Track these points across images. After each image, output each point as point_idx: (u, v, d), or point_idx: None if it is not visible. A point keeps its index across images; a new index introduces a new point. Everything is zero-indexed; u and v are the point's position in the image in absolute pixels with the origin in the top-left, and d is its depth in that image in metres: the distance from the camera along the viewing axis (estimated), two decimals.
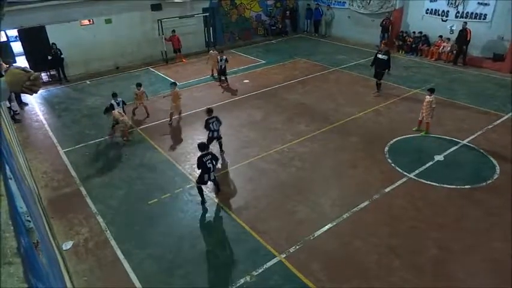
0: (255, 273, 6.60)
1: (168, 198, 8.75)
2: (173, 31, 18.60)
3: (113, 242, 7.47)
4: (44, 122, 13.11)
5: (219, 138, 10.33)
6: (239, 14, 22.48)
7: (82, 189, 9.23)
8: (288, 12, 24.24)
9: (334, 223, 7.73)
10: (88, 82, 16.94)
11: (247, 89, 15.32)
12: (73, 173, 9.92)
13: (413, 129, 11.21)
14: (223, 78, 15.84)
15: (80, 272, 6.80)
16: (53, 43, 16.29)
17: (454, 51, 17.21)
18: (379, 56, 13.64)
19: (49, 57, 16.31)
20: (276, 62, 18.62)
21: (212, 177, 8.40)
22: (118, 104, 11.90)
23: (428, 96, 10.75)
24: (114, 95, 12.01)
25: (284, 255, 6.95)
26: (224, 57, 15.47)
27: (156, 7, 18.87)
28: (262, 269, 6.67)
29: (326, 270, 6.65)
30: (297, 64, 18.36)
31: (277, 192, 8.84)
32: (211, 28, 21.25)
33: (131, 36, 18.56)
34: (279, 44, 22.49)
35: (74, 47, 16.98)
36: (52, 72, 17.28)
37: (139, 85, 12.91)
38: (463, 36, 16.37)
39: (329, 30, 23.49)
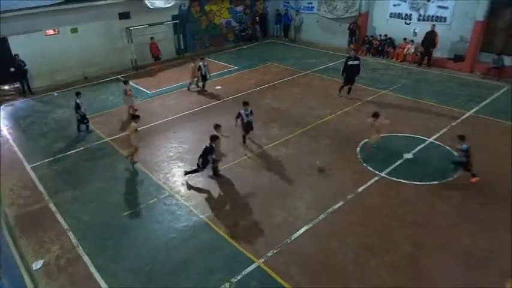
0: (233, 280, 6.58)
1: (143, 210, 8.59)
2: (152, 38, 18.34)
3: (85, 258, 7.24)
4: (9, 137, 12.59)
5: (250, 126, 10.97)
6: (209, 20, 22.47)
7: (51, 205, 8.91)
8: (257, 18, 24.45)
9: (311, 225, 7.82)
10: (55, 94, 16.42)
11: (220, 95, 15.31)
12: (41, 189, 9.56)
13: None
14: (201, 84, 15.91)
15: None
16: (15, 54, 15.68)
17: (419, 53, 17.88)
18: (350, 62, 13.68)
19: (11, 69, 15.67)
20: (248, 68, 18.72)
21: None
22: (82, 103, 12.07)
23: (374, 120, 10.25)
24: (78, 94, 12.15)
25: (262, 260, 6.96)
26: (206, 63, 15.57)
27: (124, 15, 18.58)
28: (241, 276, 6.65)
29: (305, 273, 6.70)
30: (269, 69, 18.53)
31: (254, 197, 8.85)
32: (181, 35, 21.12)
33: (99, 45, 18.17)
34: (249, 49, 22.62)
35: (38, 58, 16.42)
36: (16, 85, 16.63)
37: (127, 82, 13.32)
38: (431, 38, 17.01)
39: (298, 35, 23.86)
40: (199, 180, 9.60)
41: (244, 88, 15.81)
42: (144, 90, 16.24)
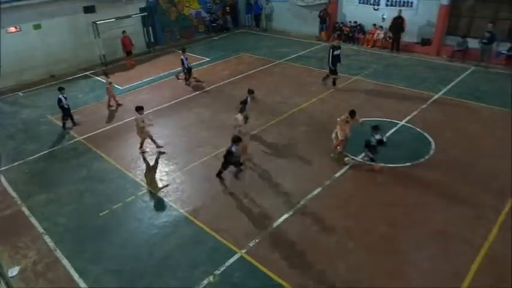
0: (217, 272, 6.61)
1: (121, 208, 8.45)
2: (123, 32, 17.80)
3: (64, 261, 7.08)
4: None
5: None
6: (178, 11, 22.03)
7: (24, 209, 8.63)
8: (227, 8, 24.16)
9: (291, 212, 7.94)
10: (21, 94, 15.75)
11: (193, 87, 15.13)
12: (12, 193, 9.23)
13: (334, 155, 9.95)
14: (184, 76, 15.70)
15: None
16: None
17: (388, 38, 18.22)
18: (336, 52, 13.54)
19: None
20: (221, 59, 18.55)
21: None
22: (66, 98, 12.02)
23: (349, 117, 9.60)
24: (61, 89, 12.08)
25: (245, 250, 7.03)
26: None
27: (89, 9, 17.92)
28: (224, 267, 6.69)
29: (287, 259, 6.81)
30: (242, 59, 18.43)
31: (233, 188, 8.87)
32: (150, 28, 20.63)
33: (64, 41, 17.51)
34: (221, 40, 22.40)
35: (1, 57, 15.64)
36: None
37: (107, 74, 13.59)
38: (398, 24, 17.34)
39: (270, 24, 23.80)
40: (177, 174, 9.52)
41: (218, 80, 15.69)
42: (116, 86, 15.79)
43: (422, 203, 8.04)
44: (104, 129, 12.15)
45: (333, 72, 13.97)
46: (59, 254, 7.28)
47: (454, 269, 6.43)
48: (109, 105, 13.76)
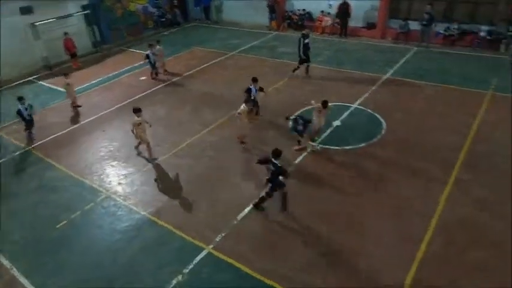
0: (185, 270, 6.58)
1: (79, 217, 8.14)
2: (65, 33, 16.84)
3: (22, 279, 6.73)
4: None
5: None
6: (124, 8, 21.19)
7: None
8: (175, 1, 23.60)
9: (255, 202, 8.00)
10: None
11: (146, 85, 14.74)
12: None
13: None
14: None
15: None
16: None
17: (336, 24, 18.68)
18: (306, 40, 13.48)
19: None
20: (172, 54, 18.12)
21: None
22: (26, 109, 11.03)
23: (322, 107, 9.44)
24: (20, 99, 11.03)
25: (212, 246, 7.04)
26: (153, 51, 14.97)
27: (25, 10, 16.76)
28: (192, 265, 6.67)
29: (255, 250, 6.91)
30: (194, 53, 18.17)
31: (195, 185, 8.82)
32: (95, 26, 19.70)
33: (2, 45, 16.29)
34: (172, 35, 21.90)
35: None
36: None
37: (66, 74, 12.90)
38: (344, 9, 17.80)
39: (220, 16, 23.57)
40: (136, 177, 9.30)
41: (171, 76, 15.38)
42: (62, 89, 15.01)
43: (378, 180, 8.43)
44: (53, 136, 11.54)
45: (305, 60, 13.94)
46: (15, 271, 6.90)
47: (411, 238, 6.83)
48: (76, 106, 13.12)
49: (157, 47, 15.17)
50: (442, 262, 6.33)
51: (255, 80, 11.03)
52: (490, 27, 15.32)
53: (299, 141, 9.63)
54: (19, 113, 11.02)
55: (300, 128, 9.35)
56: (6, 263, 7.12)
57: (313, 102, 9.82)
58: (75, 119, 12.44)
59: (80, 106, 13.16)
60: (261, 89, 11.06)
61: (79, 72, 16.94)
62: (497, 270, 6.10)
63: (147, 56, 14.74)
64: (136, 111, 9.64)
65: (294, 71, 14.23)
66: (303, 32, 14.08)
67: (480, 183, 8.05)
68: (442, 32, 16.40)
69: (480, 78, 12.91)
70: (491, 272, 6.09)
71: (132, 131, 9.79)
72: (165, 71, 15.65)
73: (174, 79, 15.10)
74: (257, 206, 7.81)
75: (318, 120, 9.53)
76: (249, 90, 10.90)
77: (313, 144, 9.70)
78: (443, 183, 8.11)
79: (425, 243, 6.70)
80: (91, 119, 12.37)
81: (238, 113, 9.83)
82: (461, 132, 9.83)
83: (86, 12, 18.97)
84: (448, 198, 7.71)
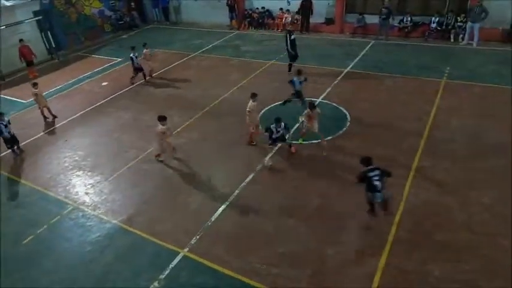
0: (162, 276, 6.50)
1: (46, 231, 7.82)
2: (21, 40, 15.97)
3: None
4: None
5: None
6: (78, 12, 20.48)
7: None
8: (132, 3, 23.07)
9: (228, 202, 8.04)
10: None
11: (108, 91, 14.34)
12: None
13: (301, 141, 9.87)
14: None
15: None
16: None
17: (296, 21, 18.96)
18: (293, 37, 13.46)
19: None
20: None
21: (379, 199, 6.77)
22: (6, 126, 10.27)
23: (310, 111, 9.08)
24: (0, 114, 10.36)
25: (187, 249, 6.99)
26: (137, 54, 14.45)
27: None
28: (169, 270, 6.60)
29: (230, 250, 6.93)
30: (156, 56, 17.77)
31: (166, 189, 8.72)
32: (49, 32, 18.87)
33: None
34: (131, 38, 21.36)
35: None
36: None
37: (35, 84, 12.09)
38: (307, 6, 18.07)
39: (180, 17, 23.29)
40: (104, 185, 9.05)
41: (134, 79, 15.04)
42: (19, 100, 14.38)
43: (346, 169, 8.67)
44: (8, 151, 10.98)
45: (295, 57, 13.84)
46: None
47: (381, 222, 7.09)
48: (51, 115, 12.48)
49: (144, 50, 14.76)
50: (411, 245, 6.63)
51: (299, 72, 10.95)
52: (440, 18, 16.11)
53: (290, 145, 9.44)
54: None
55: (276, 136, 8.93)
56: None
57: (301, 118, 9.54)
58: (35, 129, 11.88)
59: (56, 117, 12.51)
60: (305, 79, 10.95)
61: (36, 81, 16.17)
62: (462, 251, 6.45)
63: (131, 59, 14.28)
64: (162, 119, 9.10)
65: (289, 70, 13.89)
66: (288, 28, 14.17)
67: (440, 168, 8.47)
68: (396, 24, 17.07)
69: (435, 67, 13.57)
70: (457, 253, 6.42)
71: (159, 141, 9.37)
72: (151, 76, 15.03)
73: (138, 82, 14.77)
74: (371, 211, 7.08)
75: (310, 125, 9.22)
76: (292, 82, 10.85)
77: (266, 159, 9.12)
78: (408, 169, 8.48)
79: (394, 227, 6.99)
80: (52, 128, 11.88)
81: (248, 111, 9.50)
82: (421, 120, 10.29)
83: (38, 18, 18.14)
84: (412, 183, 8.08)
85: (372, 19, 17.07)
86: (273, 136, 8.94)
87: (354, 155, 9.14)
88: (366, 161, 6.72)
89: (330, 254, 6.61)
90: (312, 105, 9.16)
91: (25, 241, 7.60)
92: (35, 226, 7.96)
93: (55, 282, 6.66)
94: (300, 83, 10.90)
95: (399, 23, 16.99)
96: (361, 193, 7.38)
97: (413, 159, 8.82)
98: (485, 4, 14.50)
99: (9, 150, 10.66)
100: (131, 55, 14.28)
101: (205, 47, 18.21)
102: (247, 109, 9.58)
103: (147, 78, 14.90)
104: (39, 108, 12.38)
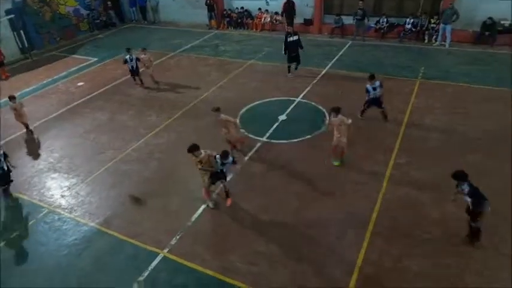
0: (141, 278, 6.41)
1: (19, 236, 7.59)
2: None
3: None
4: None
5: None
6: (53, 11, 19.94)
7: None
8: (109, 2, 22.63)
9: (205, 205, 7.98)
10: None
11: (84, 91, 14.04)
12: None
13: (336, 163, 8.92)
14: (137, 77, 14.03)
15: None
16: None
17: (275, 21, 19.04)
18: (290, 38, 12.98)
19: None
20: (110, 57, 17.42)
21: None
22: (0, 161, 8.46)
23: (334, 118, 8.45)
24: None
25: (167, 250, 6.92)
26: (134, 56, 13.61)
27: None
28: (148, 271, 6.52)
29: (209, 249, 6.91)
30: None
31: (144, 190, 8.59)
32: (21, 31, 18.29)
33: None
34: (107, 38, 20.99)
35: None
36: None
37: (13, 97, 10.86)
38: (290, 7, 18.07)
39: (157, 16, 23.03)
40: (81, 187, 8.85)
41: (110, 80, 14.79)
42: None
43: (325, 168, 8.78)
44: None
45: (290, 60, 13.45)
46: None
47: (359, 219, 7.23)
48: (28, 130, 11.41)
49: (142, 55, 13.77)
50: (388, 242, 6.77)
51: (372, 77, 9.87)
52: (415, 19, 16.53)
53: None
54: None
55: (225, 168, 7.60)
56: None
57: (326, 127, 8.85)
58: (8, 131, 11.46)
59: (31, 132, 11.42)
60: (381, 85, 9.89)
61: (7, 82, 15.70)
62: (437, 245, 6.63)
63: (125, 61, 13.62)
64: (217, 110, 8.81)
65: (288, 69, 13.73)
66: (288, 29, 13.66)
67: (415, 165, 8.69)
68: (373, 25, 17.41)
69: (410, 67, 13.92)
70: (433, 248, 6.59)
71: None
72: (156, 82, 14.10)
73: (114, 83, 14.51)
74: (475, 239, 6.48)
75: (339, 136, 8.44)
76: (366, 90, 9.93)
77: (209, 202, 7.90)
78: (385, 166, 8.66)
79: (372, 222, 7.12)
80: (24, 130, 11.50)
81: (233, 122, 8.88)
82: (397, 119, 10.53)
83: (10, 16, 17.57)
84: (389, 180, 8.25)
85: (350, 20, 17.34)
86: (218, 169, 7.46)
87: (329, 154, 9.29)
88: (461, 175, 6.15)
89: (313, 250, 6.69)
90: (334, 110, 8.36)
91: None
92: (7, 231, 7.72)
93: None
94: (374, 89, 9.90)
95: (375, 24, 17.34)
96: (344, 191, 7.49)
97: (391, 156, 9.01)
98: (456, 6, 14.98)
99: None
100: (126, 57, 13.52)
101: (184, 47, 18.07)
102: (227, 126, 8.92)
103: (154, 84, 13.99)
104: (20, 121, 11.22)
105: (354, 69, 14.06)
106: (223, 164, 7.38)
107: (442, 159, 8.71)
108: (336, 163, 8.89)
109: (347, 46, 16.70)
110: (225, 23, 20.59)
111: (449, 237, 6.70)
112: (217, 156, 7.36)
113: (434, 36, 16.16)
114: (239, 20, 20.15)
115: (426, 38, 16.41)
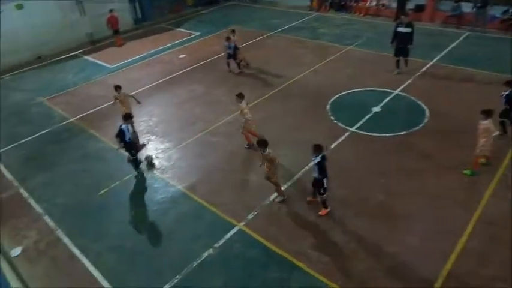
0: (216, 245, 6.72)
1: (119, 186, 8.49)
2: (111, 10, 17.13)
3: (66, 240, 7.17)
4: None
5: None
6: None
7: (22, 191, 8.64)
8: None
9: (289, 183, 8.00)
10: (7, 77, 15.41)
11: (185, 63, 14.91)
12: (9, 176, 9.21)
13: (466, 172, 7.85)
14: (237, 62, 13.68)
15: (36, 275, 6.51)
16: None
17: (381, 6, 17.83)
18: (400, 29, 11.74)
19: None
20: (211, 33, 18.17)
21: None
22: (129, 130, 8.53)
23: (483, 122, 7.43)
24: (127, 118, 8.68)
25: (243, 223, 7.13)
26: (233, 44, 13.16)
27: None
28: (224, 240, 6.81)
29: (284, 230, 6.93)
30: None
31: (228, 163, 8.91)
32: (137, 4, 20.02)
33: (49, 21, 16.89)
34: (211, 13, 21.87)
35: None
36: None
37: (118, 87, 10.00)
38: None
39: None
40: (173, 152, 9.51)
41: (210, 54, 15.44)
42: (104, 64, 15.57)
43: (417, 169, 8.10)
44: (96, 108, 12.02)
45: (396, 53, 12.12)
46: (60, 232, 7.36)
47: (450, 228, 6.59)
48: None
49: (232, 37, 13.15)
50: (481, 258, 6.06)
51: (508, 83, 8.36)
52: None
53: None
54: (121, 133, 8.35)
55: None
56: (52, 224, 7.59)
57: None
58: (112, 93, 12.69)
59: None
60: None
61: (121, 48, 17.40)
62: None
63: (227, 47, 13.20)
64: (240, 96, 8.89)
65: (396, 64, 12.31)
66: (400, 19, 12.16)
67: None
68: (498, 15, 15.24)
69: None
70: None
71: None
72: (241, 63, 13.69)
73: (213, 57, 15.12)
74: None
75: (486, 140, 7.44)
76: (502, 97, 8.42)
77: (280, 198, 7.63)
78: (489, 173, 7.69)
79: (465, 238, 6.42)
80: (132, 93, 12.65)
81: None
82: None
83: None
84: (493, 192, 7.30)
85: (469, 7, 15.40)
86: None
87: (427, 154, 8.55)
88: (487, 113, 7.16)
89: (391, 253, 6.31)
90: (485, 112, 7.34)
91: (100, 192, 8.33)
92: (109, 180, 8.67)
93: (120, 233, 7.26)
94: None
95: (502, 13, 15.12)
96: (429, 197, 6.87)
97: (498, 167, 7.94)
98: None
99: (94, 110, 11.61)
100: (225, 44, 13.21)
101: (282, 27, 17.99)
102: (246, 117, 8.89)
103: (241, 68, 13.66)
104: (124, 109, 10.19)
105: (466, 65, 12.55)
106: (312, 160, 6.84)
107: None
108: (466, 172, 7.80)
109: (462, 37, 14.96)
110: (327, 5, 19.91)
111: None
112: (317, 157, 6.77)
113: None
114: (342, 3, 19.32)
115: None
